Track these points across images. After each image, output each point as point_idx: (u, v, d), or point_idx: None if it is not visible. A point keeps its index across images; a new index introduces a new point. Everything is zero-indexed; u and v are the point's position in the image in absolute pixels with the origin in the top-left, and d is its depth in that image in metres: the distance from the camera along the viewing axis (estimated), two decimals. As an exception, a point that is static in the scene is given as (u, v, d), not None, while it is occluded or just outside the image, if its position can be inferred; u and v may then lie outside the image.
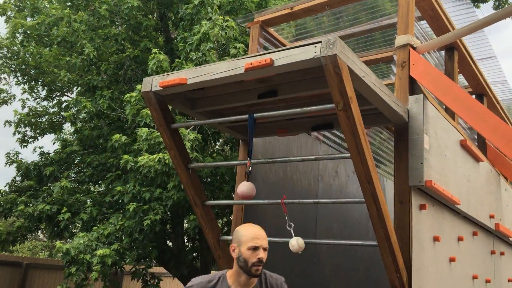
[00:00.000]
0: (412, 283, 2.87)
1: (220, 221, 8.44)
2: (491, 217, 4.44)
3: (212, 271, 8.66)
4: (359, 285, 5.32)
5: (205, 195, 3.48)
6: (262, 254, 2.30)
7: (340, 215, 5.21)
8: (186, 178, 3.30)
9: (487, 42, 4.71)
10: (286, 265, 4.23)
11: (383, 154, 6.12)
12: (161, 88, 2.96)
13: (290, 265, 4.30)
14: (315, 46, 2.38)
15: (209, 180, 6.74)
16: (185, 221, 6.20)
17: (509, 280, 5.19)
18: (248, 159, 2.94)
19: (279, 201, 3.09)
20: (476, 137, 5.33)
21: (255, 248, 2.30)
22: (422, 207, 3.10)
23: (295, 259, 4.35)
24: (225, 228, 8.04)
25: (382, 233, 2.73)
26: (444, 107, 4.05)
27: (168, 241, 8.15)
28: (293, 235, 2.95)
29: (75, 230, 7.81)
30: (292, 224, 3.02)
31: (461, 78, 4.97)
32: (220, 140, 8.11)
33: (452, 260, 3.53)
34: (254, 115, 2.85)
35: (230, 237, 3.76)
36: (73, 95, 8.85)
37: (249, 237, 2.32)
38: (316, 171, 4.98)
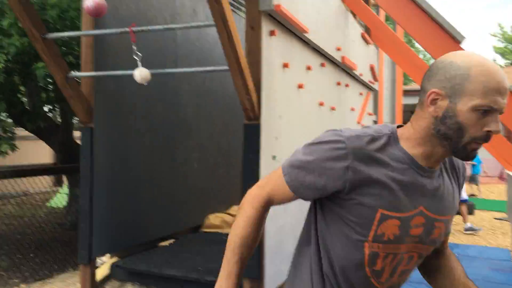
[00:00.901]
0: (262, 104, 3.03)
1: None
2: (338, 49, 4.74)
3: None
4: (222, 121, 5.58)
5: (44, 27, 3.15)
6: (496, 126, 1.13)
7: (200, 57, 5.17)
8: (18, 6, 2.92)
9: None
10: (148, 107, 4.21)
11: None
12: None
13: (152, 107, 4.28)
14: None
15: (57, 26, 6.10)
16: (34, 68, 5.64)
17: (351, 109, 5.80)
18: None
19: (127, 29, 2.92)
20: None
21: (487, 112, 1.11)
22: (272, 33, 3.16)
23: (157, 101, 4.33)
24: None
25: (233, 56, 2.76)
26: None
27: (22, 98, 7.52)
28: (139, 65, 2.87)
29: None
30: (140, 54, 2.91)
31: None
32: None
33: (300, 87, 3.78)
34: None
35: (81, 74, 3.52)
36: None
37: (484, 86, 1.10)
38: (173, 9, 4.75)
